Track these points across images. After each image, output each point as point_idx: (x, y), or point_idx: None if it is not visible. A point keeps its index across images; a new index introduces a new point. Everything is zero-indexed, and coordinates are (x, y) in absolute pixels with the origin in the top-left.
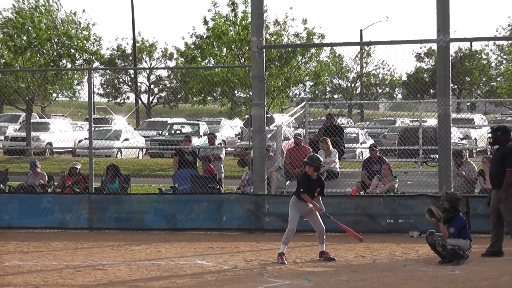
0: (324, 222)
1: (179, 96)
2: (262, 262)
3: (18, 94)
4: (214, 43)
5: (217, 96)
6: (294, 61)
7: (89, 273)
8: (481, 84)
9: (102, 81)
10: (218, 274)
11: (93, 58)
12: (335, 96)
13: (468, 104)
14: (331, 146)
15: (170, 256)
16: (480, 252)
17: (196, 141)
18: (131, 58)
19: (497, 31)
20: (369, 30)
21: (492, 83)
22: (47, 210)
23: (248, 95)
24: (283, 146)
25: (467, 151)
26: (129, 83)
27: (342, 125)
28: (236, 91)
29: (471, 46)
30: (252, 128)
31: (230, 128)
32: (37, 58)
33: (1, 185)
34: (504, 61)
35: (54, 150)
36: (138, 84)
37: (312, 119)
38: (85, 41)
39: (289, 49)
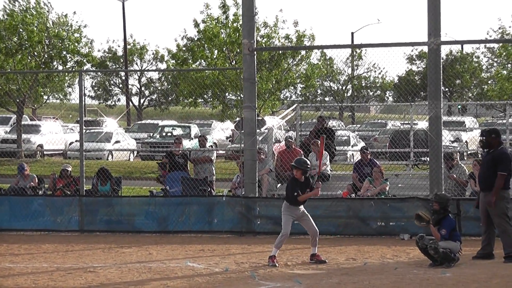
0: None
1: (170, 98)
2: (253, 264)
3: (9, 96)
4: (205, 45)
5: (208, 98)
6: (284, 63)
7: (80, 275)
8: (472, 87)
9: (93, 83)
10: (209, 277)
11: (84, 60)
12: (326, 99)
13: (459, 107)
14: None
15: (161, 259)
16: (471, 255)
17: (187, 144)
18: (122, 60)
19: (488, 33)
20: (360, 32)
21: (483, 86)
22: (38, 213)
23: (239, 98)
24: (274, 148)
25: (458, 153)
26: (120, 85)
27: (333, 128)
28: (227, 94)
29: (462, 48)
30: (243, 131)
31: (221, 131)
32: (28, 60)
33: None
34: (495, 64)
35: (45, 153)
36: (129, 86)
37: (303, 122)
38: (76, 43)
39: (280, 51)
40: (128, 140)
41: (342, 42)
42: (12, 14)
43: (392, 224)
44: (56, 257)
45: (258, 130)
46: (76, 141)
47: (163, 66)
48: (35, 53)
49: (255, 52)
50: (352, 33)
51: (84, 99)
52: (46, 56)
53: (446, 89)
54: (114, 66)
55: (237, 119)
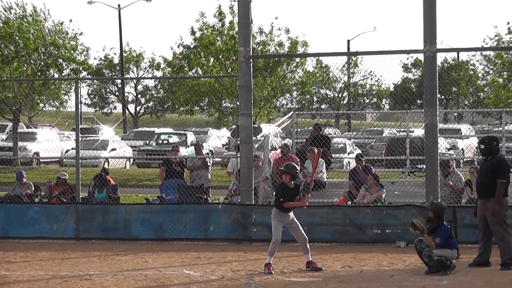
0: (307, 232)
1: (166, 106)
2: (249, 272)
3: (5, 104)
4: (201, 53)
5: (204, 106)
6: (280, 71)
7: (76, 283)
8: (468, 95)
9: (89, 91)
10: (205, 284)
11: (81, 68)
12: (322, 106)
13: (455, 114)
14: None
15: (157, 266)
16: (468, 262)
17: (183, 151)
18: (118, 68)
19: (484, 41)
20: (356, 40)
21: (479, 94)
22: (34, 220)
23: (235, 105)
24: (270, 156)
25: (454, 161)
26: (116, 93)
27: (329, 135)
28: (223, 101)
29: (458, 56)
30: (239, 138)
31: (217, 138)
32: (24, 68)
33: None
34: (491, 72)
35: (41, 160)
36: (125, 94)
37: (299, 129)
38: (72, 51)
39: (275, 58)
40: (124, 148)
41: (338, 49)
42: (8, 22)
43: (388, 231)
44: (52, 265)
45: (254, 138)
46: (72, 148)
47: (159, 73)
48: (31, 61)
49: (251, 60)
50: (348, 41)
51: (80, 106)
52: (42, 63)
53: (442, 97)
54: (110, 74)
55: (233, 126)
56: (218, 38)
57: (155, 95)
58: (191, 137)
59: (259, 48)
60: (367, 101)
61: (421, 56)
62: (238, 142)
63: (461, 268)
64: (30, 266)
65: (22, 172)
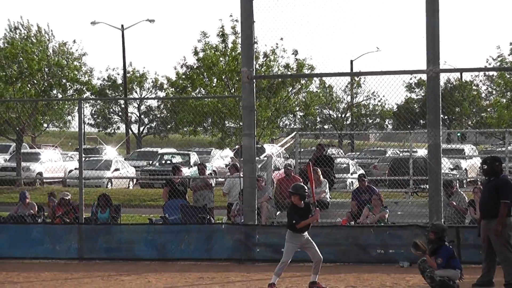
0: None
1: (169, 126)
2: None
3: (9, 124)
4: (205, 73)
5: (207, 126)
6: (283, 92)
7: None
8: (471, 115)
9: (93, 111)
10: None
11: (84, 88)
12: (326, 127)
13: (459, 134)
14: (321, 176)
15: (160, 287)
16: (471, 282)
17: (186, 171)
18: (121, 88)
19: (487, 61)
20: (360, 60)
21: (482, 114)
22: (37, 240)
23: (238, 125)
24: (273, 176)
25: (457, 181)
26: (120, 113)
27: (332, 155)
28: (226, 122)
29: (461, 76)
30: (242, 159)
31: (220, 158)
32: (28, 88)
33: None
34: (494, 92)
35: (44, 180)
36: (129, 114)
37: (302, 149)
38: (76, 72)
39: (279, 79)
40: (128, 168)
41: (341, 70)
42: (12, 43)
43: (391, 251)
44: (55, 285)
45: (257, 158)
46: (75, 169)
47: (162, 94)
48: (35, 81)
49: (254, 80)
50: (351, 61)
51: (84, 127)
52: (45, 84)
53: (446, 117)
54: (114, 94)
55: (236, 146)
56: (221, 58)
57: (158, 115)
58: (194, 157)
59: (263, 69)
60: (370, 121)
61: (424, 76)
62: (236, 163)
63: None
64: (33, 286)
65: (25, 193)
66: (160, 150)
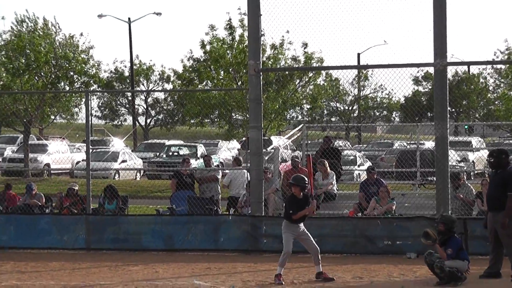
0: (317, 243)
1: (176, 118)
2: (259, 283)
3: (16, 116)
4: (212, 66)
5: (214, 118)
6: (291, 85)
7: None
8: (478, 108)
9: (100, 103)
10: None
11: (91, 81)
12: (333, 119)
13: (466, 127)
14: (328, 168)
15: (167, 277)
16: (478, 274)
17: (193, 163)
18: (128, 80)
19: (495, 54)
20: (367, 53)
21: (490, 107)
22: (45, 231)
23: (245, 118)
24: (280, 168)
25: (464, 173)
26: (127, 106)
27: (339, 148)
28: (233, 114)
29: (468, 69)
30: (249, 150)
31: (227, 150)
32: (35, 81)
33: None
34: (501, 85)
35: (51, 172)
36: (136, 106)
37: (309, 142)
38: (83, 64)
39: (286, 72)
40: (135, 160)
41: (348, 63)
42: (20, 35)
43: (398, 243)
44: (63, 275)
45: (264, 150)
46: (83, 160)
47: (169, 86)
48: (42, 74)
49: (261, 73)
50: (359, 54)
51: (91, 119)
52: (53, 76)
53: (453, 110)
54: (121, 87)
55: (243, 138)
56: (228, 51)
57: (165, 108)
58: (201, 149)
59: (270, 62)
60: (378, 114)
61: (431, 69)
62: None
63: (471, 279)
64: (41, 276)
65: (31, 185)
66: (167, 142)
